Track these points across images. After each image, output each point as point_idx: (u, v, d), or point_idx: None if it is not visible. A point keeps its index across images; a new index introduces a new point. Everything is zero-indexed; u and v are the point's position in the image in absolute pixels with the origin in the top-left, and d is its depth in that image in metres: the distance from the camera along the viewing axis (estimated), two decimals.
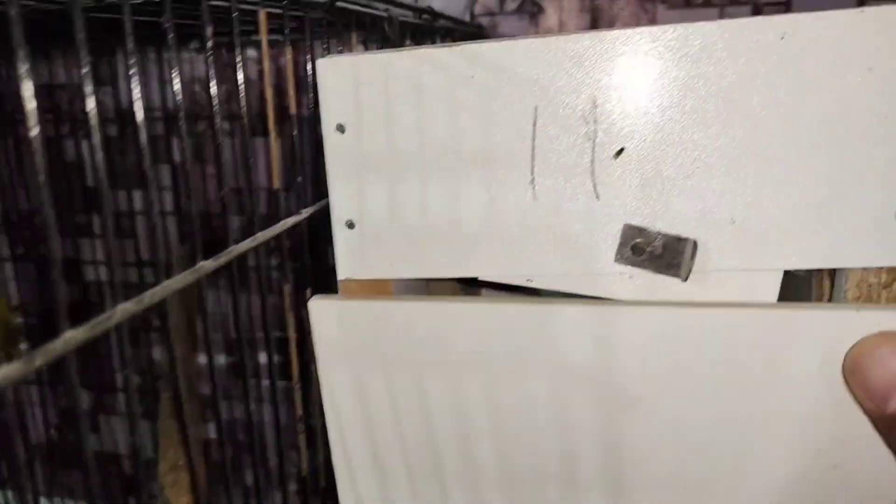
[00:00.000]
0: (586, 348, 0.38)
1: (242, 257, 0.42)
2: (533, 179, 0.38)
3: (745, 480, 0.38)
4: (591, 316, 0.37)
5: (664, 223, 0.37)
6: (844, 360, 0.32)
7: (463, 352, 0.40)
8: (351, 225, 0.42)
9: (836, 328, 0.33)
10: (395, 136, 0.40)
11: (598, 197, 0.37)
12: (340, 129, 0.41)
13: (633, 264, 0.38)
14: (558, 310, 0.38)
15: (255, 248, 0.44)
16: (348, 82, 0.40)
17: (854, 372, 0.30)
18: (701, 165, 0.36)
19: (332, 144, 0.41)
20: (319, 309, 0.42)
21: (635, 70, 0.35)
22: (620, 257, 0.38)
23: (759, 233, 0.36)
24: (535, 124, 0.37)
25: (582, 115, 0.37)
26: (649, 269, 0.37)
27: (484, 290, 0.48)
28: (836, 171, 0.34)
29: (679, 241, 0.37)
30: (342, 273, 0.43)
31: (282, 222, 0.47)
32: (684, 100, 0.35)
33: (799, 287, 0.39)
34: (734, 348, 0.35)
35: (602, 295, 0.39)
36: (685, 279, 0.37)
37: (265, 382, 1.09)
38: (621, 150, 0.36)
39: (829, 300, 0.39)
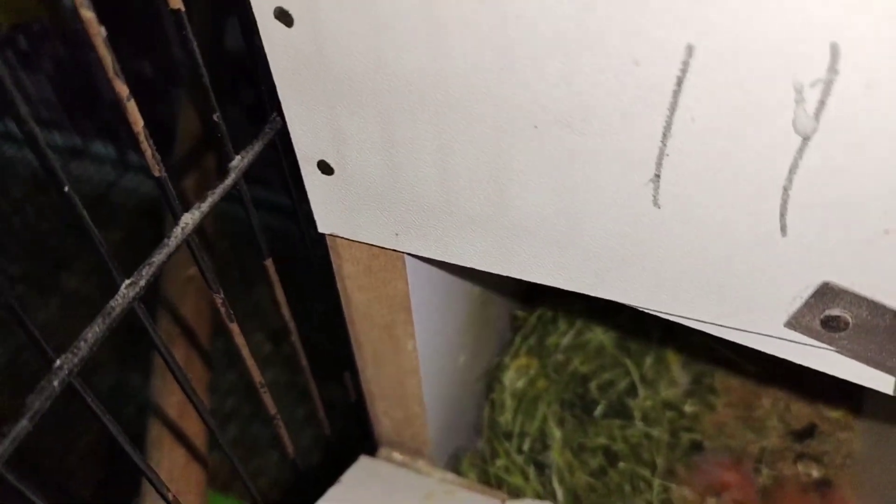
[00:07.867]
0: None
1: None
2: (658, 177, 0.19)
3: None
4: None
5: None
6: None
7: None
8: (326, 168, 0.25)
9: None
10: (385, 43, 0.20)
11: (784, 231, 0.19)
12: (284, 17, 0.21)
13: (819, 339, 0.21)
14: None
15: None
16: None
17: None
18: None
19: (274, 43, 0.21)
20: None
21: None
22: (798, 324, 0.21)
23: None
24: (680, 80, 0.17)
25: (793, 78, 0.16)
26: (844, 353, 0.21)
27: None
28: None
29: None
30: (323, 226, 0.27)
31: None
32: None
33: None
34: None
35: (757, 347, 0.23)
36: None
37: None
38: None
39: None
